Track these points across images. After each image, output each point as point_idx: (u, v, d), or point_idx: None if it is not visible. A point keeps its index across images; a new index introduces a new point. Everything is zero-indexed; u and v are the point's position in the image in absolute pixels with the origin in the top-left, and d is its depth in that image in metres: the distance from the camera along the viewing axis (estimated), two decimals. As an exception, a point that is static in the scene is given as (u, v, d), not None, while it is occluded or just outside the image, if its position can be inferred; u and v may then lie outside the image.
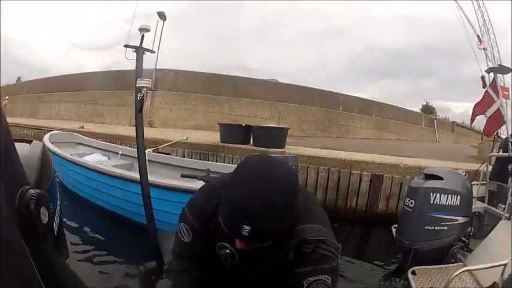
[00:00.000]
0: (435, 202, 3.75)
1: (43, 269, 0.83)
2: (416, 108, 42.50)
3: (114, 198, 5.41)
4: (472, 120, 5.85)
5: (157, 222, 3.81)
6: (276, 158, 1.33)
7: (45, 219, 0.91)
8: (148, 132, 11.67)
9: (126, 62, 4.13)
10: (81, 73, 23.97)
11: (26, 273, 0.76)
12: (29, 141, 2.41)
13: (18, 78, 33.71)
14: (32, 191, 0.88)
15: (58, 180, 7.27)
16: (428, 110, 43.81)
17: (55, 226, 2.19)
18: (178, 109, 18.58)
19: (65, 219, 5.23)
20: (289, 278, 1.31)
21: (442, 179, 3.86)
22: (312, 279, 1.26)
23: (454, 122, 36.23)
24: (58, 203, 2.43)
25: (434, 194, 3.74)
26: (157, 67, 17.59)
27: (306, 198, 1.32)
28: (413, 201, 3.84)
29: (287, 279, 1.32)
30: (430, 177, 3.93)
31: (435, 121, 32.04)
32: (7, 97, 25.73)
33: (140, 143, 4.13)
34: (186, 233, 1.46)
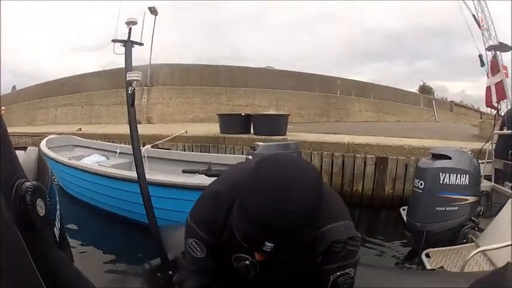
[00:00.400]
0: (445, 182, 3.69)
1: (42, 263, 0.84)
2: (414, 89, 42.24)
3: (115, 200, 5.30)
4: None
5: (161, 221, 3.74)
6: (293, 156, 1.21)
7: (41, 211, 0.93)
8: (147, 129, 11.70)
9: (119, 60, 4.08)
10: (75, 75, 23.64)
11: (24, 270, 0.77)
12: (24, 148, 2.38)
13: (13, 87, 33.11)
14: (28, 183, 0.91)
15: (57, 184, 7.21)
16: (425, 90, 43.43)
17: (56, 231, 2.15)
18: (175, 103, 18.51)
19: (67, 225, 5.20)
20: (314, 274, 1.26)
21: (450, 158, 3.80)
22: (338, 273, 1.22)
23: (452, 101, 36.21)
24: (58, 207, 2.38)
25: (444, 174, 3.69)
26: (152, 62, 17.58)
27: (326, 193, 1.19)
28: (422, 182, 3.77)
29: (311, 275, 1.28)
30: (437, 157, 3.86)
31: (434, 101, 31.95)
32: (3, 107, 25.60)
33: (134, 139, 4.05)
34: (198, 248, 1.32)
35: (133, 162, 4.22)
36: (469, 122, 24.56)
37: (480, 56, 11.56)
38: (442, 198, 3.70)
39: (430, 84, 47.92)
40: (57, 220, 2.26)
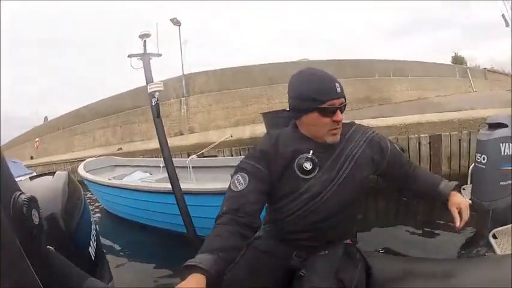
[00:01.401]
0: (505, 153, 3.48)
1: (39, 266, 0.95)
2: (446, 60, 40.38)
3: (159, 214, 5.22)
4: None
5: (205, 230, 3.64)
6: None
7: (36, 220, 1.06)
8: (190, 139, 11.72)
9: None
10: (108, 97, 23.45)
11: (21, 272, 0.87)
12: (52, 174, 2.41)
13: (45, 118, 33.74)
14: (24, 196, 1.03)
15: (101, 206, 7.56)
16: (458, 60, 41.50)
17: (91, 251, 2.25)
18: (215, 109, 18.49)
19: (112, 244, 5.20)
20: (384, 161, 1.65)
21: (506, 126, 3.55)
22: (392, 148, 1.69)
23: (485, 68, 34.74)
24: (93, 227, 2.40)
25: (504, 144, 3.48)
26: (185, 72, 17.67)
27: None
28: (485, 156, 3.55)
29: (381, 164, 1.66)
30: (494, 126, 3.62)
31: (468, 70, 30.68)
32: (37, 139, 26.43)
33: (164, 149, 4.10)
34: (241, 181, 1.46)
35: (180, 173, 4.17)
36: (503, 88, 23.45)
37: (503, 16, 10.90)
38: (505, 171, 3.47)
39: (460, 54, 45.56)
40: (93, 240, 2.33)
